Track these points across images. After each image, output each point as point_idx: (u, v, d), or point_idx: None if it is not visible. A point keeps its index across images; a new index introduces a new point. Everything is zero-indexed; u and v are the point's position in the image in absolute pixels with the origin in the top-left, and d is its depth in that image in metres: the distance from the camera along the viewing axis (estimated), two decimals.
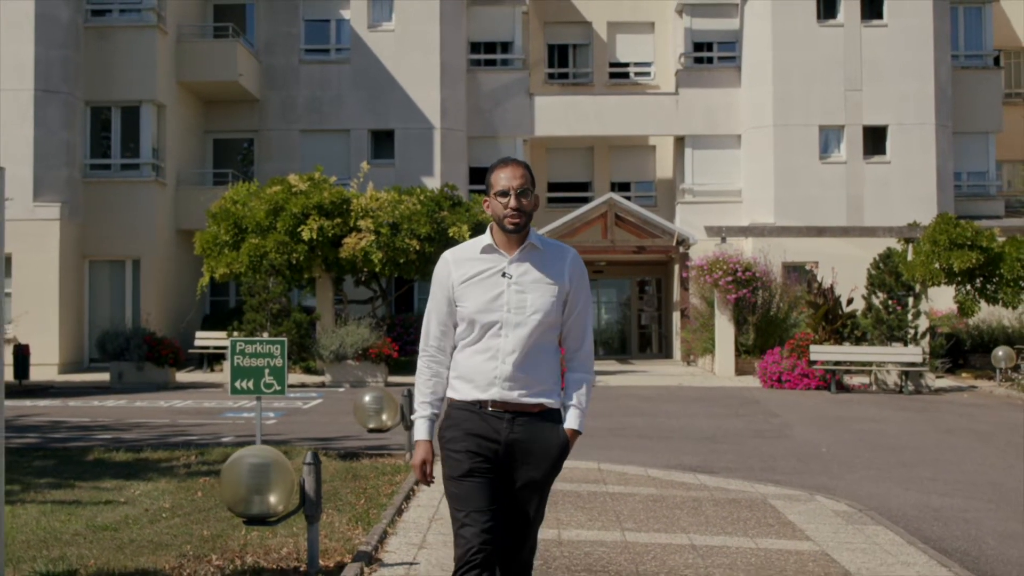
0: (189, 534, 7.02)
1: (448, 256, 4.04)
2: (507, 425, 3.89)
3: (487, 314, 3.89)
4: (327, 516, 7.45)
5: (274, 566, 6.16)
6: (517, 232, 3.94)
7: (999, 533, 8.00)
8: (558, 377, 4.00)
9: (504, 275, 3.92)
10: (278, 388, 10.42)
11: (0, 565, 5.39)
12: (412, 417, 4.03)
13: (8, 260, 22.32)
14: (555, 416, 3.98)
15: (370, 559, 6.35)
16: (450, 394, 4.01)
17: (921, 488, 9.86)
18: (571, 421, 3.99)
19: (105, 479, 9.36)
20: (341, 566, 6.15)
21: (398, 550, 6.73)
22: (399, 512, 7.77)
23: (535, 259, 3.96)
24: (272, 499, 6.14)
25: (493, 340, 3.90)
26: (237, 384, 10.34)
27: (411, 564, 6.38)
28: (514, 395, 3.89)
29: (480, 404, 3.91)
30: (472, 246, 4.03)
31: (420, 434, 3.98)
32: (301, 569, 6.12)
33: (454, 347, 4.03)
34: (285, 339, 10.30)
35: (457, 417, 3.95)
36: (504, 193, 3.91)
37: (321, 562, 6.18)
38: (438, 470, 4.05)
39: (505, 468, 3.91)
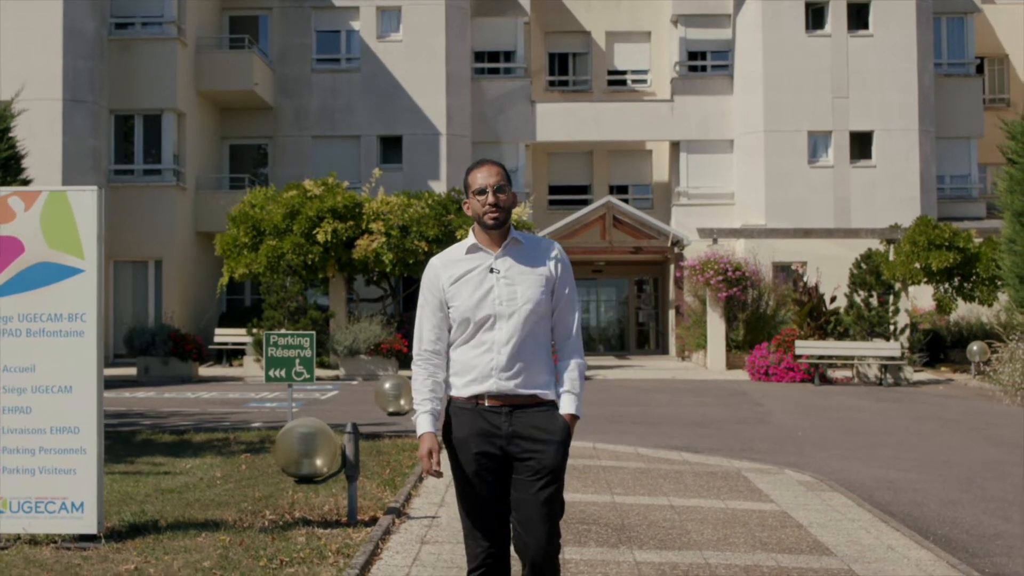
0: (243, 496, 8.24)
1: (435, 261, 4.15)
2: (505, 419, 3.99)
3: (479, 310, 3.99)
4: (359, 482, 8.67)
5: (318, 519, 7.37)
6: (498, 227, 4.03)
7: (942, 500, 9.16)
8: (552, 370, 4.11)
9: (492, 271, 4.03)
10: (308, 376, 11.65)
11: (100, 515, 6.67)
12: (413, 418, 4.14)
13: None
14: (551, 407, 4.07)
15: (399, 513, 7.59)
16: (451, 392, 4.10)
17: (881, 464, 11.03)
18: (567, 406, 4.07)
19: (157, 456, 10.59)
20: (375, 519, 7.38)
21: (421, 508, 7.97)
22: (420, 479, 9.00)
23: (519, 252, 4.07)
24: (318, 462, 7.41)
25: (487, 334, 4.00)
26: (271, 373, 11.57)
27: (433, 518, 7.62)
28: (510, 385, 3.98)
29: (477, 399, 4.01)
30: (457, 248, 4.13)
31: (423, 427, 4.05)
32: (342, 521, 7.33)
33: (448, 348, 4.13)
34: (314, 332, 11.54)
35: (459, 417, 4.05)
36: (482, 191, 4.02)
37: (358, 516, 7.41)
38: (444, 462, 4.25)
39: (511, 460, 4.01)
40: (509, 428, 3.98)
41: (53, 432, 6.63)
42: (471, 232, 4.13)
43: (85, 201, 6.71)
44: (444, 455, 4.11)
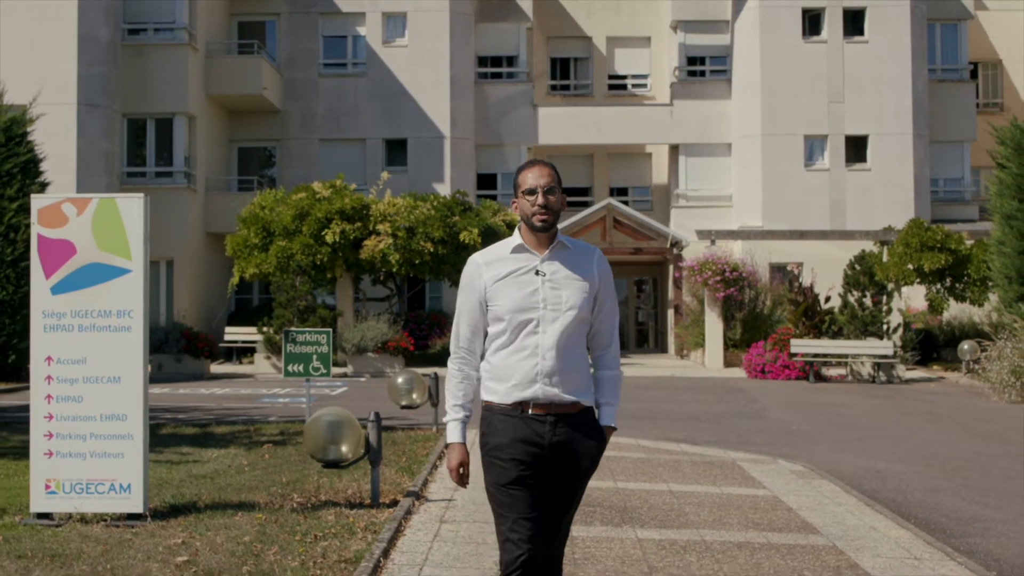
0: (271, 481, 8.81)
1: (478, 258, 4.05)
2: (549, 428, 3.91)
3: (523, 312, 3.92)
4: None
5: (344, 501, 7.94)
6: (546, 230, 3.95)
7: (925, 488, 9.73)
8: (589, 375, 4.08)
9: (538, 273, 3.95)
10: (324, 371, 12.27)
11: (146, 495, 7.25)
12: (444, 420, 4.07)
13: None
14: (591, 415, 4.03)
15: (418, 496, 8.18)
16: (487, 397, 4.01)
17: (870, 456, 11.60)
18: (607, 418, 4.07)
19: (183, 446, 11.16)
20: (395, 501, 7.96)
21: (438, 491, 8.56)
22: (434, 467, 9.59)
23: (565, 257, 4.00)
24: (344, 448, 8.00)
25: (530, 338, 3.92)
26: (290, 368, 12.18)
27: (449, 500, 8.21)
28: (556, 391, 3.91)
29: (522, 407, 3.92)
30: (502, 247, 4.04)
31: (453, 436, 4.01)
32: (365, 503, 7.91)
33: (484, 350, 4.06)
34: (331, 329, 12.13)
35: (499, 423, 3.95)
36: (532, 191, 3.94)
37: (380, 499, 7.99)
38: (474, 471, 4.20)
39: (548, 469, 3.94)
40: (553, 438, 3.91)
41: (103, 419, 7.20)
42: (516, 232, 4.06)
43: (133, 207, 7.28)
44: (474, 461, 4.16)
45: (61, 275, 7.23)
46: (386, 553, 6.41)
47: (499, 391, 3.96)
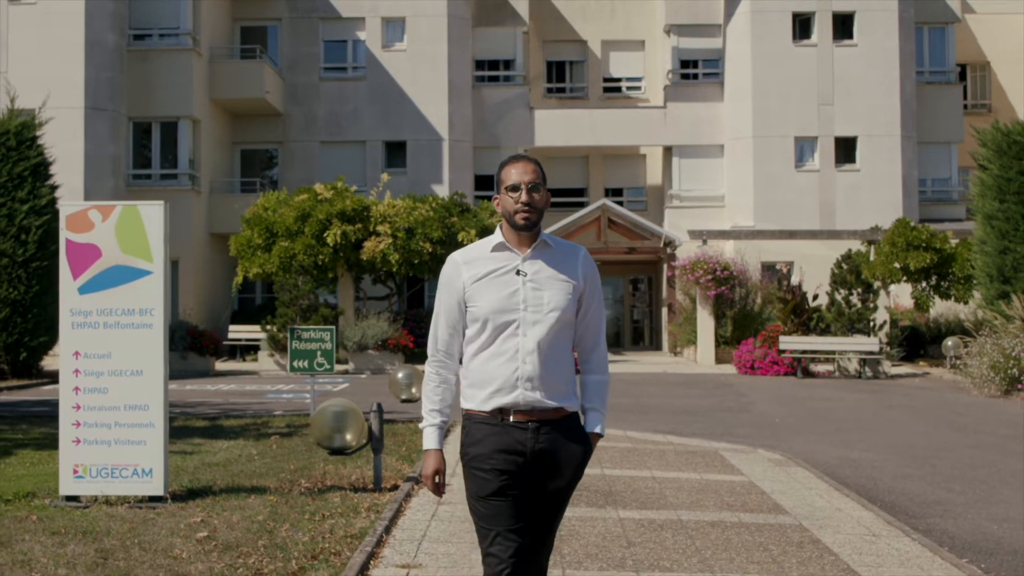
0: (280, 468, 9.41)
1: (457, 257, 3.86)
2: (532, 436, 3.73)
3: (503, 314, 3.74)
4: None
5: (348, 486, 8.54)
6: (528, 229, 3.78)
7: (895, 475, 10.29)
8: (573, 380, 3.88)
9: (519, 273, 3.78)
10: (328, 367, 12.86)
11: (166, 480, 7.86)
12: (421, 425, 3.87)
13: None
14: (575, 421, 3.85)
15: (417, 481, 8.74)
16: (466, 405, 3.83)
17: (847, 446, 12.14)
18: (593, 424, 3.89)
19: (195, 438, 11.76)
20: (396, 486, 8.56)
21: None
22: None
23: (548, 256, 3.83)
24: (348, 436, 8.62)
25: (510, 341, 3.74)
26: (295, 363, 12.78)
27: (446, 485, 8.82)
28: (537, 396, 3.73)
29: (502, 414, 3.75)
30: (482, 246, 3.86)
31: (430, 443, 3.84)
32: (368, 487, 8.51)
33: (461, 354, 3.89)
34: (334, 327, 12.73)
35: (479, 432, 3.77)
36: (515, 188, 3.78)
37: (382, 484, 8.60)
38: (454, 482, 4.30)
39: (531, 478, 3.76)
40: (536, 446, 3.73)
41: (126, 409, 7.79)
42: (498, 230, 3.87)
43: (154, 214, 7.89)
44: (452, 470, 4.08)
45: (88, 276, 7.82)
46: (388, 530, 7.02)
47: (478, 398, 3.78)
